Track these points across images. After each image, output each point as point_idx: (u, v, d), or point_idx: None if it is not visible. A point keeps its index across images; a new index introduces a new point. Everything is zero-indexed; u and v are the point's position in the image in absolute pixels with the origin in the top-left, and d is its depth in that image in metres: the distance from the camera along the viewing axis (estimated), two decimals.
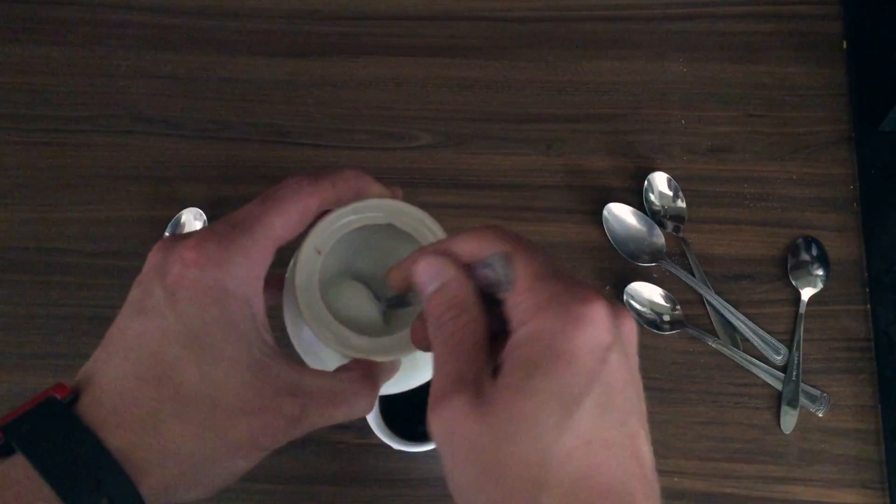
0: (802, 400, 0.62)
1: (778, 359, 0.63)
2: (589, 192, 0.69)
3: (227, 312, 0.31)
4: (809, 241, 0.66)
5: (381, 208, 0.37)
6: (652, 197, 0.68)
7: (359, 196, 0.36)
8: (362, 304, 0.38)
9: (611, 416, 0.28)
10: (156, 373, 0.30)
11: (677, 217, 0.67)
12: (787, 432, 0.62)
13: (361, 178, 0.36)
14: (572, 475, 0.26)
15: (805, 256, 0.66)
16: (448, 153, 0.71)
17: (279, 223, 0.33)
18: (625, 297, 0.64)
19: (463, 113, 0.72)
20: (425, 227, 0.37)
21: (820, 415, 0.62)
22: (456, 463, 0.27)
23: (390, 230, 0.37)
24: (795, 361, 0.63)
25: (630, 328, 0.29)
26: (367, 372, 0.35)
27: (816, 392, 0.62)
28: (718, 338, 0.64)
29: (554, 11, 0.75)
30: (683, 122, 0.71)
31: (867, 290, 0.65)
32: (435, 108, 0.72)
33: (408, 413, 0.59)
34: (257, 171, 0.70)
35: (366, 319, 0.38)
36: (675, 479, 0.61)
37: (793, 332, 0.64)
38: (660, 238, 0.66)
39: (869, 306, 0.65)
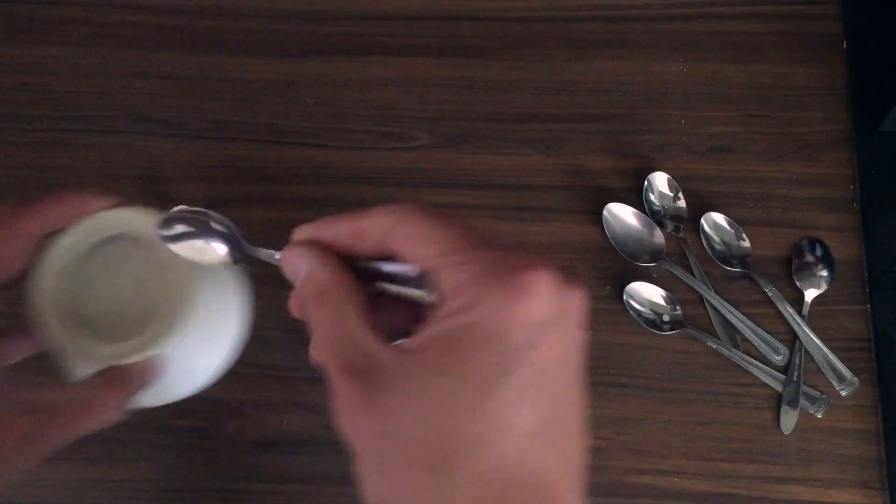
0: (802, 401, 0.62)
1: (778, 359, 0.63)
2: (589, 192, 0.69)
3: None
4: (814, 242, 0.66)
5: (109, 221, 0.38)
6: (652, 197, 0.68)
7: (83, 213, 0.37)
8: (128, 298, 0.38)
9: (536, 400, 0.24)
10: None
11: (677, 217, 0.67)
12: (787, 433, 0.62)
13: (81, 194, 0.37)
14: (484, 463, 0.24)
15: (809, 258, 0.66)
16: (448, 153, 0.71)
17: None
18: (625, 297, 0.64)
19: (463, 113, 0.72)
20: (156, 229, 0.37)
21: (819, 416, 0.62)
22: (362, 463, 0.25)
23: (134, 242, 0.38)
24: (797, 363, 0.63)
25: (579, 302, 0.26)
26: (112, 377, 0.34)
27: (816, 393, 0.62)
28: (718, 338, 0.64)
29: (554, 11, 0.75)
30: (683, 122, 0.71)
31: (867, 290, 0.65)
32: (435, 108, 0.72)
33: None
34: (257, 171, 0.70)
35: (134, 313, 0.37)
36: (675, 479, 0.61)
37: (794, 332, 0.64)
38: (660, 238, 0.66)
39: (869, 306, 0.65)
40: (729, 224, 0.66)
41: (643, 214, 0.67)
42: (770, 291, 0.65)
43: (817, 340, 0.63)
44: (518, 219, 0.68)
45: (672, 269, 0.65)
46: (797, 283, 0.65)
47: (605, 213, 0.67)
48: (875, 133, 0.69)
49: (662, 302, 0.65)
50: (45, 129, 0.72)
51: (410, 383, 0.24)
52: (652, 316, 0.65)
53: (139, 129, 0.72)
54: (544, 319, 0.24)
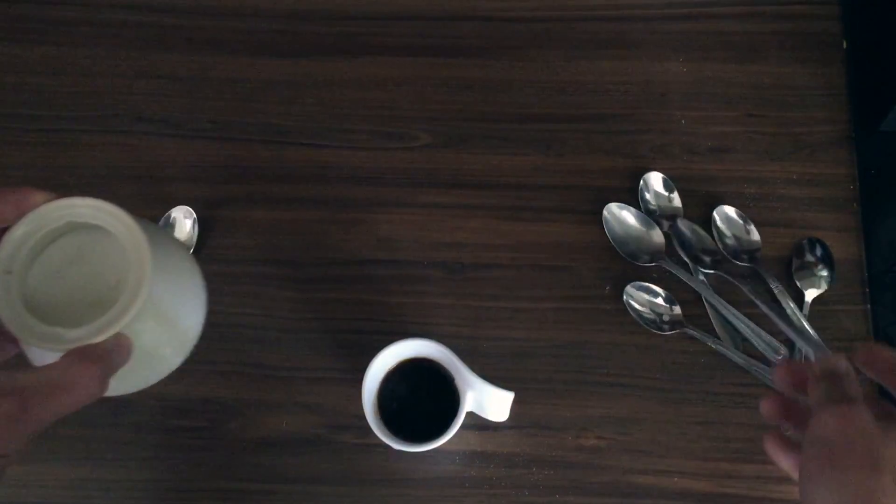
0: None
1: (778, 359, 0.63)
2: (589, 192, 0.69)
3: None
4: (814, 242, 0.66)
5: (52, 211, 0.38)
6: (647, 197, 0.68)
7: (23, 208, 0.38)
8: (88, 287, 0.39)
9: None
10: None
11: (672, 217, 0.67)
12: (788, 432, 0.62)
13: (18, 190, 0.37)
14: None
15: (810, 257, 0.66)
16: (448, 153, 0.71)
17: None
18: (625, 297, 0.64)
19: (463, 113, 0.72)
20: (104, 213, 0.38)
21: None
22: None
23: (88, 231, 0.39)
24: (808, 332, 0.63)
25: None
26: (84, 353, 0.35)
27: None
28: (718, 338, 0.64)
29: (554, 11, 0.75)
30: (683, 122, 0.71)
31: (867, 290, 0.65)
32: (435, 108, 0.72)
33: (407, 413, 0.59)
34: (257, 171, 0.70)
35: (97, 298, 0.39)
36: (675, 479, 0.61)
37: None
38: (660, 238, 0.66)
39: (869, 306, 0.65)
40: (727, 222, 0.67)
41: (643, 214, 0.67)
42: (776, 288, 0.64)
43: (819, 340, 0.63)
44: (518, 219, 0.68)
45: (672, 269, 0.65)
46: (797, 283, 0.65)
47: (605, 213, 0.67)
48: (875, 133, 0.69)
49: (662, 302, 0.65)
50: (45, 129, 0.72)
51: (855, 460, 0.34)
52: (652, 316, 0.65)
53: (139, 129, 0.72)
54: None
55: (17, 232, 0.38)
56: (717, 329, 0.64)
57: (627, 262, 0.66)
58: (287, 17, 0.75)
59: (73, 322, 0.37)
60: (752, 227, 0.66)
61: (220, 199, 0.69)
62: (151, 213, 0.68)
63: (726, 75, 0.72)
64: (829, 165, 0.69)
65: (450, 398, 0.58)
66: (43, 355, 0.39)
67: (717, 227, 0.67)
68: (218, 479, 0.62)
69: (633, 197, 0.68)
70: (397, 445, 0.56)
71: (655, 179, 0.68)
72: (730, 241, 0.66)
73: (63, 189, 0.72)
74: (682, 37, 0.74)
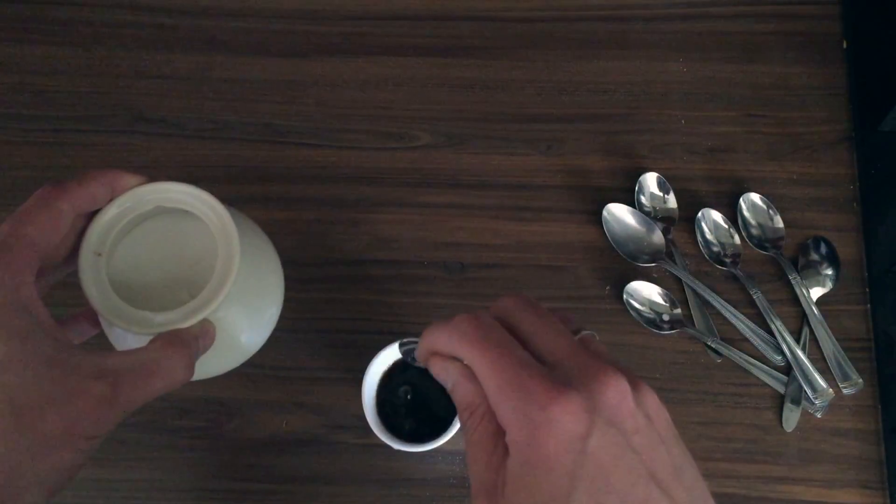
0: (804, 401, 0.62)
1: (778, 359, 0.63)
2: (589, 192, 0.69)
3: (3, 322, 0.32)
4: (819, 241, 0.66)
5: (144, 195, 0.38)
6: (643, 198, 0.68)
7: (116, 190, 0.38)
8: (173, 272, 0.39)
9: (609, 497, 0.28)
10: None
11: (667, 218, 0.67)
12: (790, 430, 0.62)
13: (111, 172, 0.38)
14: None
15: (815, 256, 0.66)
16: (448, 153, 0.71)
17: (33, 231, 0.35)
18: (625, 297, 0.64)
19: (463, 113, 0.72)
20: (194, 198, 0.39)
21: (819, 416, 0.62)
22: None
23: (173, 215, 0.39)
24: (801, 359, 0.63)
25: (611, 393, 0.29)
26: (173, 338, 0.36)
27: (821, 386, 0.62)
28: (718, 337, 0.64)
29: (554, 11, 0.75)
30: (683, 122, 0.71)
31: (867, 290, 0.65)
32: (435, 108, 0.72)
33: (407, 413, 0.59)
34: (257, 171, 0.70)
35: (179, 283, 0.39)
36: None
37: (800, 330, 0.64)
38: (659, 238, 0.66)
39: (869, 306, 0.65)
40: (725, 221, 0.67)
41: (643, 214, 0.67)
42: (794, 279, 0.64)
43: (830, 336, 0.63)
44: (518, 219, 0.68)
45: (672, 269, 0.65)
46: (803, 282, 0.65)
47: (604, 213, 0.67)
48: (875, 133, 0.69)
49: (662, 302, 0.65)
50: (45, 129, 0.72)
51: None
52: (652, 315, 0.65)
53: (139, 129, 0.72)
54: (579, 435, 0.28)
55: (109, 214, 0.38)
56: (695, 321, 0.64)
57: (627, 262, 0.66)
58: (287, 17, 0.75)
59: (157, 305, 0.37)
60: (777, 216, 0.66)
61: (220, 199, 0.69)
62: None
63: (726, 75, 0.72)
64: (829, 165, 0.69)
65: (450, 398, 0.58)
66: (126, 338, 0.39)
67: (743, 215, 0.67)
68: (218, 479, 0.62)
69: (632, 197, 0.68)
70: (397, 445, 0.56)
71: (651, 180, 0.68)
72: (755, 230, 0.66)
73: None
74: (682, 37, 0.74)
